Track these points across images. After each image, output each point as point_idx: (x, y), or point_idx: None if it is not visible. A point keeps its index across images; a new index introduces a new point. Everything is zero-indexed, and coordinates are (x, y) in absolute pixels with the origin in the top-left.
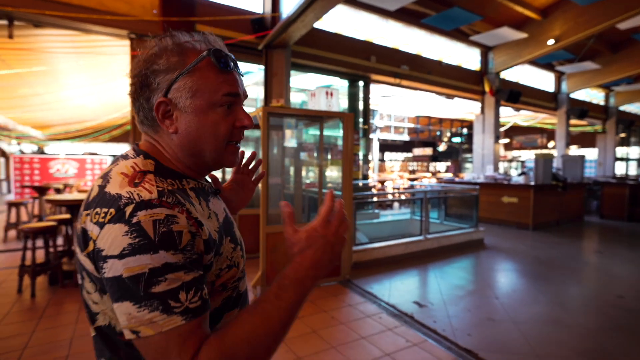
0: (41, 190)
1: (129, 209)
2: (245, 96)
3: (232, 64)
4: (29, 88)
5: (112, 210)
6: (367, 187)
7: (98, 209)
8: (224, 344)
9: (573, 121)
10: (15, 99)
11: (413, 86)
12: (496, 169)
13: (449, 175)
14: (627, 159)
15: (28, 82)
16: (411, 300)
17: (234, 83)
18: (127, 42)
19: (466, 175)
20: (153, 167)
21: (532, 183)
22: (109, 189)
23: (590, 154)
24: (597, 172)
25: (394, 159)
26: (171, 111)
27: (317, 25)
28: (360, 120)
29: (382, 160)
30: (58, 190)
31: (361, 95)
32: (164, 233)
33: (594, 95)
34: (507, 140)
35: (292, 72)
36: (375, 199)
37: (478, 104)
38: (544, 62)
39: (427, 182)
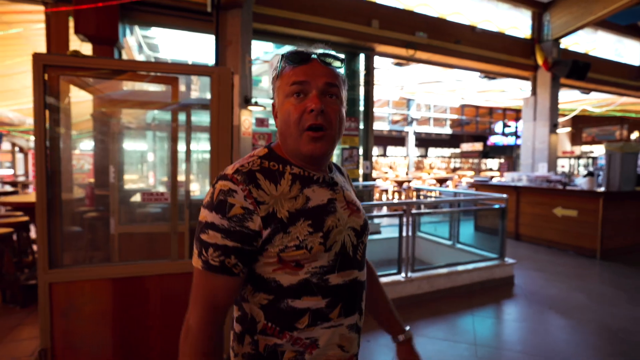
0: None
1: (218, 177)
2: (326, 84)
3: (306, 57)
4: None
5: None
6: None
7: None
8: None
9: None
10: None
11: (433, 60)
12: (552, 167)
13: (496, 174)
14: None
15: None
16: None
17: (301, 73)
18: (42, 8)
19: (506, 176)
20: (264, 153)
21: (602, 189)
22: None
23: None
24: None
25: (439, 155)
26: (277, 110)
27: None
28: (361, 108)
29: (424, 156)
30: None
31: (362, 72)
32: (220, 201)
33: None
34: (567, 130)
35: (265, 44)
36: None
37: (528, 85)
38: (627, 23)
39: (465, 182)
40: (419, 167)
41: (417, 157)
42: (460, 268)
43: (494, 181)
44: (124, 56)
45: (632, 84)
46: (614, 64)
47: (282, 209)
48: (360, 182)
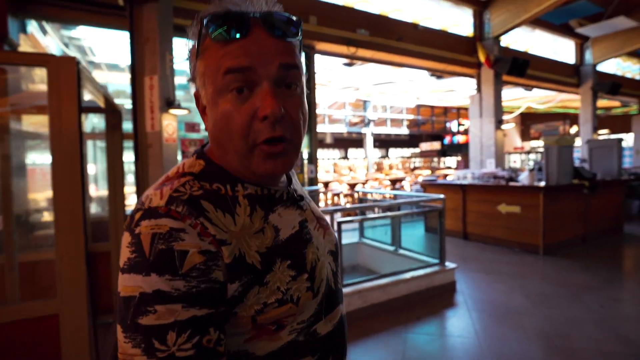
0: None
1: (137, 216)
2: (281, 67)
3: (245, 25)
4: None
5: (131, 214)
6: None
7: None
8: None
9: (602, 103)
10: None
11: (376, 58)
12: (500, 163)
13: (450, 172)
14: None
15: None
16: None
17: (239, 53)
18: None
19: (454, 174)
20: (200, 168)
21: (542, 184)
22: (147, 190)
23: (624, 140)
24: (635, 162)
25: (400, 155)
26: (204, 104)
27: None
28: None
29: (385, 157)
30: None
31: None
32: (160, 252)
33: (627, 68)
34: (513, 126)
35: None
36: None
37: (474, 82)
38: (560, 22)
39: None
40: (379, 168)
41: (379, 158)
42: (397, 278)
43: (447, 179)
44: None
45: (569, 80)
46: (551, 62)
47: (250, 250)
48: (306, 187)
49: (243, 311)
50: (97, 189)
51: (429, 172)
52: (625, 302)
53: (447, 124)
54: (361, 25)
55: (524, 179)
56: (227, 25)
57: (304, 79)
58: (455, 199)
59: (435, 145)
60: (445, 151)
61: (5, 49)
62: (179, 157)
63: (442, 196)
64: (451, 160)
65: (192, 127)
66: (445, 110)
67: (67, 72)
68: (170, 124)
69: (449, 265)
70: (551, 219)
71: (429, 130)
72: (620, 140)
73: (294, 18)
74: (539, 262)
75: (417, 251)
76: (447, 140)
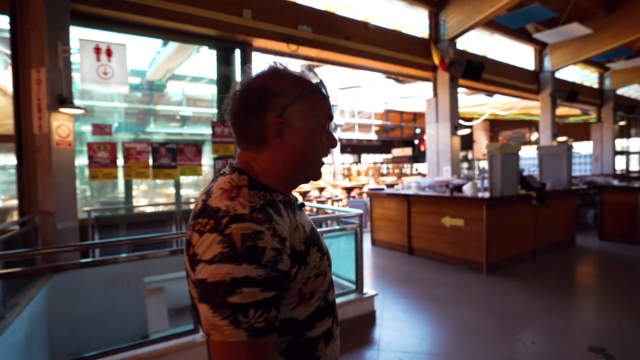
0: None
1: (224, 221)
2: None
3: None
4: None
5: (211, 221)
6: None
7: (201, 219)
8: None
9: (563, 110)
10: None
11: (321, 57)
12: (456, 170)
13: (413, 179)
14: (627, 153)
15: None
16: None
17: (330, 108)
18: None
19: (404, 182)
20: (247, 182)
21: (487, 195)
22: (211, 203)
23: (585, 148)
24: (594, 169)
25: (372, 161)
26: (283, 131)
27: None
28: None
29: (357, 162)
30: None
31: (237, 70)
32: (249, 247)
33: (585, 76)
34: (467, 131)
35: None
36: None
37: (430, 86)
38: (517, 27)
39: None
40: (347, 174)
41: (350, 163)
42: None
43: (386, 190)
44: None
45: (529, 87)
46: (511, 67)
47: (296, 242)
48: None
49: (294, 285)
50: None
51: (394, 178)
52: (562, 337)
53: (417, 130)
54: (303, 21)
55: (467, 189)
56: (326, 90)
57: None
58: (401, 210)
59: (407, 151)
60: (416, 157)
61: None
62: (78, 164)
63: (359, 211)
64: (423, 167)
65: (101, 129)
66: (415, 116)
67: None
68: (63, 125)
69: (368, 292)
70: (496, 233)
71: (399, 136)
72: (569, 146)
73: None
74: (481, 284)
75: (339, 275)
76: (417, 146)
